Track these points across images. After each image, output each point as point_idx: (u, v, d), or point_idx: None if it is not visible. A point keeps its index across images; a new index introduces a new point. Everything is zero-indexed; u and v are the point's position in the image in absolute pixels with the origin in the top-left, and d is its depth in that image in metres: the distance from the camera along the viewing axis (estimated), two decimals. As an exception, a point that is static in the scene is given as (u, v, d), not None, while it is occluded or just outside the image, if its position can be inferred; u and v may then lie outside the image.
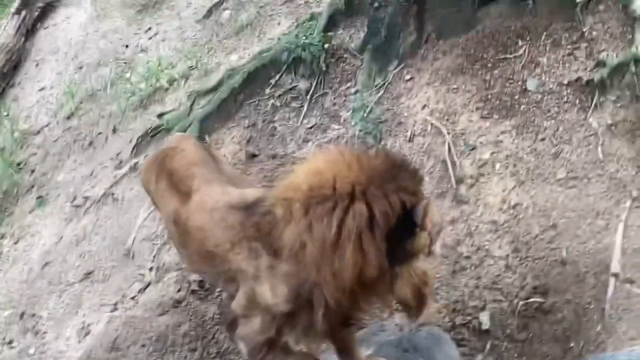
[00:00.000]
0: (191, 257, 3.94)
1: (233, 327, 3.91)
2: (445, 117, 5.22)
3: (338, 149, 3.27)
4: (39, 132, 7.82)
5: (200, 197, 3.78)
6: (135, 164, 6.59)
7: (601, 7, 5.30)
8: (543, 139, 4.93)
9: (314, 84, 6.24)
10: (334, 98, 6.07)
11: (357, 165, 3.11)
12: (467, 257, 4.66)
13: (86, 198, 6.59)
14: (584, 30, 5.28)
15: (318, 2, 7.25)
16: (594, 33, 5.26)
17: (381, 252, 3.07)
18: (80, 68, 8.38)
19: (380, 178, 3.07)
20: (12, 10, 9.44)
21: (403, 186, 3.08)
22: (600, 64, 5.01)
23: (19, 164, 7.49)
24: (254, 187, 4.17)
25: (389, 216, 3.03)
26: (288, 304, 3.37)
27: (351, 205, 3.03)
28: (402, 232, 3.09)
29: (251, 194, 3.67)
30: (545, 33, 5.39)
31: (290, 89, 6.34)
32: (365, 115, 5.58)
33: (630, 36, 5.02)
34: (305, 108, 6.12)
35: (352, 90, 6.00)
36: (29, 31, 9.32)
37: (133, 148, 6.80)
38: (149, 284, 5.55)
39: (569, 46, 5.30)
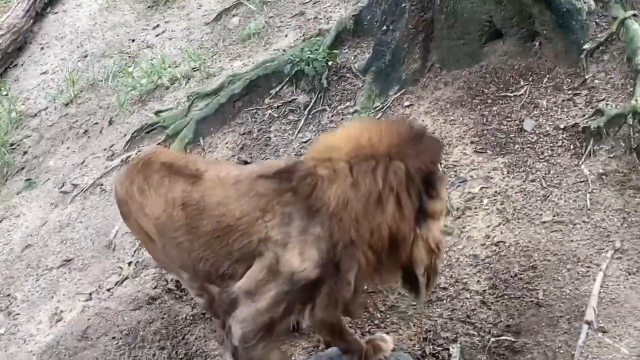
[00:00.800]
0: (198, 241, 3.81)
1: (229, 312, 3.75)
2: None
3: (368, 119, 3.52)
4: (36, 115, 7.80)
5: (216, 175, 3.82)
6: (128, 157, 6.58)
7: (606, 57, 5.31)
8: (533, 180, 4.93)
9: (314, 99, 6.24)
10: (332, 115, 6.06)
11: (387, 131, 3.43)
12: (444, 288, 4.64)
13: (75, 185, 6.58)
14: (587, 77, 5.29)
15: (327, 19, 7.27)
16: (596, 81, 5.27)
17: (414, 208, 3.39)
18: (85, 57, 8.39)
19: (409, 142, 3.41)
20: (24, -8, 9.45)
21: (429, 151, 3.45)
22: (599, 112, 5.01)
23: (12, 145, 7.48)
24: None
25: (422, 174, 3.38)
26: (316, 269, 3.45)
27: (390, 162, 3.34)
28: (424, 193, 3.41)
29: (276, 164, 3.81)
30: (548, 76, 5.40)
31: (290, 102, 6.34)
32: (360, 136, 5.57)
33: (632, 89, 5.02)
34: (302, 122, 6.11)
35: (351, 109, 5.99)
36: (38, 14, 9.33)
37: (127, 142, 6.80)
38: (126, 278, 5.52)
39: (570, 91, 5.31)
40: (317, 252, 3.45)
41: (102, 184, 6.46)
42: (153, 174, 4.00)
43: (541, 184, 4.92)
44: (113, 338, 5.08)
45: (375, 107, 5.88)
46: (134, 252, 5.70)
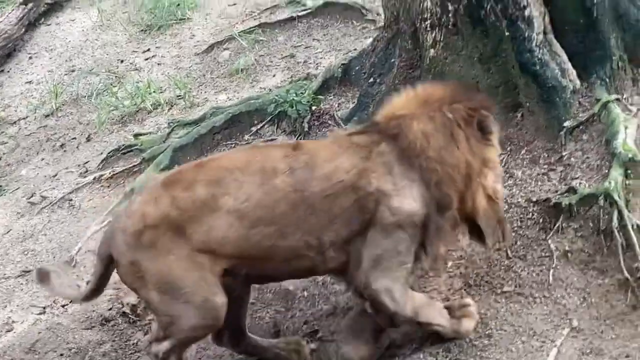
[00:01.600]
0: (303, 206, 3.92)
1: (367, 285, 4.06)
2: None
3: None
4: (15, 123, 7.77)
5: (312, 142, 4.38)
6: (100, 176, 6.55)
7: (585, 137, 5.34)
8: (499, 249, 4.93)
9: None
10: (310, 159, 6.07)
11: (444, 87, 4.18)
12: (399, 346, 4.63)
13: (44, 197, 6.53)
14: (564, 154, 5.32)
15: (317, 64, 7.30)
16: (572, 159, 5.29)
17: (479, 144, 4.07)
18: (72, 71, 8.38)
19: (465, 92, 4.22)
20: (19, 0, 9.44)
21: (482, 99, 4.26)
22: (572, 190, 5.03)
23: (-13, 149, 7.43)
24: None
25: (477, 118, 4.06)
26: (424, 208, 3.94)
27: (452, 105, 4.02)
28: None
29: (354, 127, 4.56)
30: (526, 148, 5.42)
31: (269, 141, 6.33)
32: (336, 183, 5.57)
33: (607, 171, 5.04)
34: (278, 162, 6.11)
35: (328, 156, 6.00)
36: (30, 24, 9.33)
37: (102, 160, 6.77)
38: (82, 296, 5.47)
39: (546, 166, 5.33)
40: (419, 192, 3.92)
41: (71, 199, 6.42)
42: (225, 166, 4.04)
43: (507, 254, 4.91)
44: (61, 355, 5.03)
45: (353, 157, 5.89)
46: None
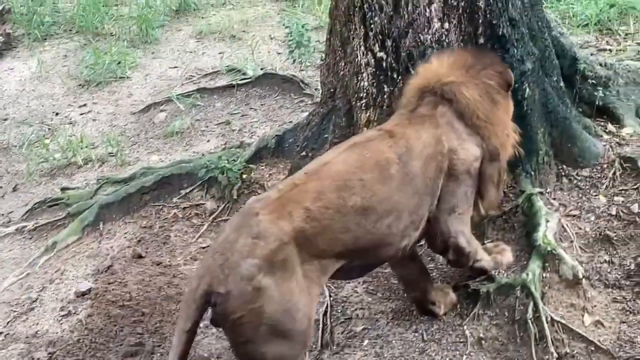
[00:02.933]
0: (410, 187, 4.18)
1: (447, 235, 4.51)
2: (332, 280, 5.20)
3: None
4: (-60, 167, 7.65)
5: (395, 125, 4.43)
6: (23, 227, 6.47)
7: (507, 226, 5.43)
8: (416, 331, 4.95)
9: (221, 207, 6.25)
10: (235, 228, 6.07)
11: (467, 53, 4.73)
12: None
13: (-36, 244, 6.43)
14: (486, 241, 5.38)
15: (251, 133, 7.34)
16: (494, 247, 5.37)
17: (508, 103, 4.73)
18: (5, 120, 8.31)
19: (484, 56, 4.77)
20: (-42, 44, 9.41)
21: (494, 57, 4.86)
22: (490, 279, 5.09)
23: None
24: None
25: (505, 71, 4.71)
26: (482, 155, 4.49)
27: (488, 69, 4.58)
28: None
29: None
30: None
31: (197, 205, 6.34)
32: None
33: (525, 262, 5.12)
34: (204, 227, 6.11)
35: (255, 226, 6.00)
36: (-32, 69, 9.25)
37: (27, 211, 6.69)
38: (-7, 348, 5.37)
39: (467, 252, 5.40)
40: (477, 143, 4.45)
41: (-9, 249, 6.33)
42: (344, 169, 4.06)
43: (422, 337, 4.94)
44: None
45: (279, 228, 5.90)
46: (7, 323, 5.55)
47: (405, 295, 4.95)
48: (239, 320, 3.67)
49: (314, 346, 4.95)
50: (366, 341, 4.93)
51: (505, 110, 4.62)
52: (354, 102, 5.68)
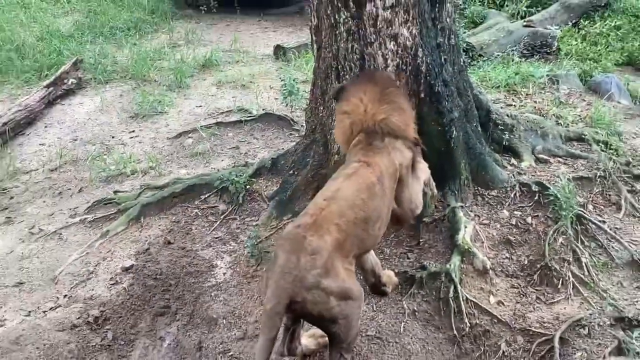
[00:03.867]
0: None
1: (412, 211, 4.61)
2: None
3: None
4: (27, 172, 7.58)
5: (369, 155, 4.31)
6: (85, 219, 6.43)
7: (436, 229, 5.44)
8: (368, 304, 4.94)
9: (230, 209, 6.22)
10: (239, 224, 6.04)
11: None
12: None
13: (41, 229, 6.37)
14: (421, 241, 5.40)
15: (254, 156, 7.32)
16: (426, 245, 5.37)
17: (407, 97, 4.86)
18: (75, 140, 8.25)
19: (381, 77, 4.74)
20: (44, 84, 9.35)
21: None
22: (423, 267, 5.10)
23: (3, 189, 7.22)
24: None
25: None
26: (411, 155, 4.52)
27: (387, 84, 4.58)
28: None
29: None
30: (395, 233, 5.48)
31: (213, 207, 6.30)
32: (256, 243, 5.55)
33: (449, 256, 5.14)
34: (217, 223, 6.07)
35: (254, 223, 5.98)
36: (50, 102, 9.20)
37: (88, 207, 6.65)
38: (59, 306, 5.31)
39: (407, 247, 5.40)
40: (407, 147, 4.46)
41: (61, 234, 6.27)
42: (350, 193, 4.08)
43: (372, 308, 4.94)
44: (37, 347, 4.87)
45: (272, 226, 5.89)
46: (70, 288, 5.50)
47: (363, 280, 4.93)
48: (318, 314, 3.76)
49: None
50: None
51: (409, 108, 4.61)
52: (329, 136, 5.68)
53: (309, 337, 4.54)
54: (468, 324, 4.70)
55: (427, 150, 4.83)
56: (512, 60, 9.20)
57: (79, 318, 5.15)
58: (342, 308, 3.79)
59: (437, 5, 5.35)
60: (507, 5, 11.69)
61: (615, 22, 10.46)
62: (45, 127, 8.71)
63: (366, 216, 4.00)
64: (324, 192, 4.12)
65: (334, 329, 3.88)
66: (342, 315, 3.82)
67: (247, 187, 6.33)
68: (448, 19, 5.49)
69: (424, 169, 4.86)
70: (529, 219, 5.47)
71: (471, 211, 5.58)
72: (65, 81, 9.58)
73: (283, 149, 7.09)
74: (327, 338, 4.11)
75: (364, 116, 4.38)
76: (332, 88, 5.10)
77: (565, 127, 6.83)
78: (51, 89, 9.31)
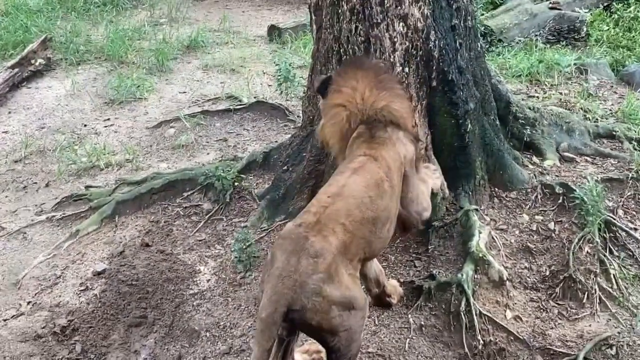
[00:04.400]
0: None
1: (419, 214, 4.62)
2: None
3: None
4: (-12, 164, 7.59)
5: (376, 149, 4.29)
6: (52, 216, 6.43)
7: (447, 235, 5.44)
8: (369, 317, 4.94)
9: (215, 208, 6.22)
10: (226, 225, 6.05)
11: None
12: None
13: (3, 228, 6.37)
14: (429, 247, 5.40)
15: (244, 149, 7.33)
16: (436, 252, 5.37)
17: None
18: (42, 128, 8.25)
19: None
20: (8, 65, 9.34)
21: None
22: (431, 277, 5.10)
23: (-39, 182, 7.24)
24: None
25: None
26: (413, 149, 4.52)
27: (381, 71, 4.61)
28: None
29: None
30: (400, 239, 5.48)
31: (196, 206, 6.30)
32: (244, 247, 5.55)
33: (461, 265, 5.14)
34: (201, 224, 6.07)
35: (242, 224, 5.98)
36: (14, 85, 9.20)
37: (56, 204, 6.65)
38: (21, 314, 5.31)
39: (414, 254, 5.40)
40: (409, 140, 4.48)
41: (25, 233, 6.27)
42: (357, 189, 4.06)
43: (374, 322, 4.94)
44: (-4, 361, 4.87)
45: (263, 228, 5.89)
46: (35, 294, 5.50)
47: (366, 290, 4.94)
48: (317, 324, 3.68)
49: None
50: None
51: (405, 96, 4.67)
52: (328, 129, 5.67)
53: (303, 352, 4.53)
54: (481, 341, 4.70)
55: (438, 146, 4.85)
56: (536, 47, 9.21)
57: (44, 328, 5.15)
58: (344, 319, 3.74)
59: (452, -18, 5.36)
60: (530, -15, 11.70)
61: (652, 5, 10.47)
62: (9, 112, 8.71)
63: (375, 216, 3.97)
64: (328, 187, 4.09)
65: (334, 342, 3.82)
66: (343, 327, 3.77)
67: (236, 184, 6.33)
68: (464, -1, 5.51)
69: (429, 173, 4.90)
70: (551, 225, 5.48)
71: (487, 215, 5.59)
72: (33, 62, 9.59)
73: (276, 141, 7.10)
74: (323, 354, 4.10)
75: (363, 105, 4.35)
76: (315, 79, 5.01)
77: (594, 122, 6.83)
78: (16, 70, 9.30)
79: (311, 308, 3.61)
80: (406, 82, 5.14)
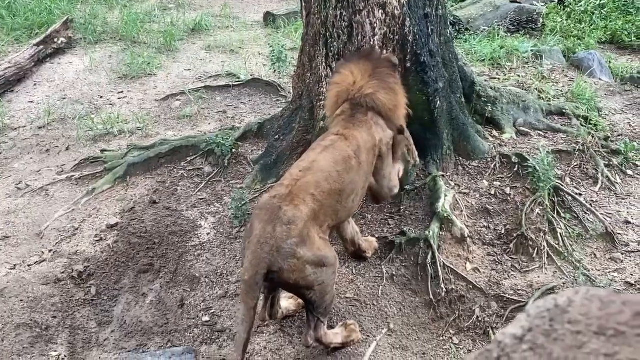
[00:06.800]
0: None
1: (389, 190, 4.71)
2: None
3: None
4: (15, 129, 7.52)
5: (348, 129, 4.32)
6: (72, 176, 6.39)
7: (417, 197, 5.44)
8: (348, 267, 4.96)
9: (215, 171, 6.19)
10: (224, 186, 6.02)
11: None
12: None
13: (28, 185, 6.33)
14: (401, 208, 5.40)
15: (241, 120, 7.29)
16: (407, 212, 5.37)
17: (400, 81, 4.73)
18: (64, 99, 8.17)
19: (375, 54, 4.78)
20: (34, 42, 9.23)
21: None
22: (403, 233, 5.10)
23: (-9, 145, 7.18)
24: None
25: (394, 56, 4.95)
26: (392, 136, 4.57)
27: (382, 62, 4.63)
28: None
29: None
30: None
31: (198, 169, 6.27)
32: (240, 205, 5.53)
33: (428, 224, 5.14)
34: (202, 185, 6.05)
35: (239, 186, 5.97)
36: (39, 60, 9.09)
37: (75, 165, 6.61)
38: (43, 260, 5.29)
39: (388, 214, 5.40)
40: (390, 128, 4.52)
41: (47, 190, 6.23)
42: (327, 164, 4.10)
43: (351, 270, 4.95)
44: (21, 300, 4.86)
45: (256, 189, 5.87)
46: (56, 244, 5.47)
47: (344, 249, 4.96)
48: (294, 282, 3.76)
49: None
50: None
51: (401, 92, 4.60)
52: (315, 103, 5.65)
53: (289, 299, 4.56)
54: (444, 289, 4.73)
55: (411, 120, 4.83)
56: (498, 35, 9.18)
57: (63, 272, 5.14)
58: (317, 275, 3.81)
59: (426, -25, 5.31)
60: (495, -19, 11.61)
61: (600, 0, 10.42)
62: (35, 85, 8.63)
63: (341, 188, 4.00)
64: (300, 162, 4.13)
65: (310, 295, 3.90)
66: (317, 282, 3.84)
67: (233, 150, 6.30)
68: (436, -10, 5.46)
69: (406, 157, 5.04)
70: (507, 190, 5.49)
71: (452, 180, 5.59)
72: (56, 40, 9.47)
73: (270, 114, 7.06)
74: None
75: (352, 87, 4.40)
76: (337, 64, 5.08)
77: (547, 101, 6.83)
78: (41, 47, 9.20)
79: (287, 269, 3.68)
80: (384, 63, 5.11)
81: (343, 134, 4.22)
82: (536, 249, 5.05)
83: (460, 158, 5.80)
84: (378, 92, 4.37)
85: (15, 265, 5.29)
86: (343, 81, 4.46)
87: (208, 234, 5.50)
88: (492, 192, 5.49)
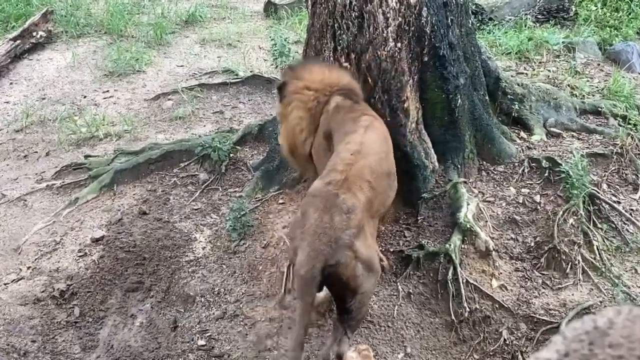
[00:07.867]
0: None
1: None
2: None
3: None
4: (-10, 133, 7.57)
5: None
6: (52, 184, 6.42)
7: (436, 207, 5.44)
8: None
9: (211, 179, 6.21)
10: (221, 195, 6.04)
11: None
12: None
13: (4, 195, 6.36)
14: (419, 219, 5.40)
15: (239, 121, 7.31)
16: (425, 223, 5.38)
17: None
18: (43, 99, 8.21)
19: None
20: (10, 36, 9.27)
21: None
22: (420, 247, 5.11)
23: (-37, 150, 7.22)
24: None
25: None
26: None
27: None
28: None
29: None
30: (390, 210, 5.48)
31: (192, 176, 6.29)
32: (238, 216, 5.55)
33: (449, 236, 5.14)
34: (197, 194, 6.07)
35: (237, 194, 5.98)
36: (16, 56, 9.13)
37: (56, 172, 6.64)
38: (22, 278, 5.32)
39: (404, 225, 5.40)
40: None
41: (25, 200, 6.26)
42: (377, 146, 4.27)
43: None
44: (-4, 323, 4.88)
45: (257, 197, 5.88)
46: (35, 259, 5.50)
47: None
48: (346, 280, 3.76)
49: (279, 290, 4.98)
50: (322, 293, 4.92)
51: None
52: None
53: None
54: (467, 308, 4.73)
55: (429, 120, 4.84)
56: (525, 25, 9.16)
57: (43, 292, 5.16)
58: (364, 279, 3.81)
59: (444, -41, 5.32)
60: (521, -35, 11.62)
61: (640, -14, 10.41)
62: (11, 83, 8.67)
63: (390, 171, 4.15)
64: (347, 145, 4.12)
65: (351, 302, 3.88)
66: (361, 289, 3.83)
67: (231, 155, 6.33)
68: (456, -24, 5.47)
69: None
70: (537, 198, 5.48)
71: (475, 187, 5.59)
72: (34, 34, 9.51)
73: (271, 114, 7.08)
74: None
75: (329, 80, 4.56)
76: (274, 84, 5.30)
77: (581, 98, 6.82)
78: (18, 42, 9.23)
79: (344, 263, 3.66)
80: (398, 56, 5.11)
81: (372, 115, 4.38)
82: (570, 263, 5.04)
83: (484, 162, 5.79)
84: (350, 80, 4.69)
85: (-11, 283, 5.32)
86: (313, 80, 4.65)
87: (203, 248, 5.51)
88: (520, 201, 5.48)
